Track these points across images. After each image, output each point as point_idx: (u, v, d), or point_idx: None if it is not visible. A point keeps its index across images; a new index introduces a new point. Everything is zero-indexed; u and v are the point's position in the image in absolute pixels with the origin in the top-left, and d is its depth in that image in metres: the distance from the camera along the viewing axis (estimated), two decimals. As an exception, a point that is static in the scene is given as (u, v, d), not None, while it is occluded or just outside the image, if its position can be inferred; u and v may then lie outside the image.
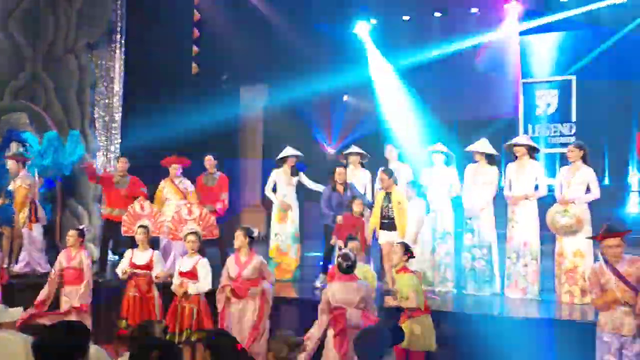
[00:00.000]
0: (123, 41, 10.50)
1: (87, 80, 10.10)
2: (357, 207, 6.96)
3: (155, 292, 6.43)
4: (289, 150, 8.05)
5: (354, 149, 8.08)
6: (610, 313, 4.66)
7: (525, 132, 12.97)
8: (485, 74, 13.15)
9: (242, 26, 11.96)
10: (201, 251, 6.44)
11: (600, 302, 4.70)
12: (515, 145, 7.05)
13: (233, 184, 8.93)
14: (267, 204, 9.75)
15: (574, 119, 12.93)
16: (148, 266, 6.38)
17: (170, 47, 10.99)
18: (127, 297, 6.39)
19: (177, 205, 7.68)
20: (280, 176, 8.00)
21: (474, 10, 13.18)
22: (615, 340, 4.64)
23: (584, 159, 6.74)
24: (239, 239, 5.84)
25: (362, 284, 4.98)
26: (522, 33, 13.06)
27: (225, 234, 7.96)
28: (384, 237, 6.98)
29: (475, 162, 7.20)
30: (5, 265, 7.23)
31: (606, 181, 12.39)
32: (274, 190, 8.01)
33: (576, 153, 6.74)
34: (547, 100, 13.29)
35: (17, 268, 7.90)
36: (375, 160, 8.08)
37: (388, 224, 6.95)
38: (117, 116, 10.45)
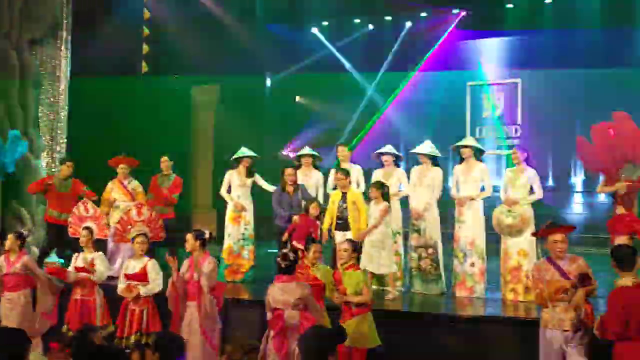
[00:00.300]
0: (69, 38, 10.21)
1: (30, 78, 9.80)
2: (313, 209, 6.98)
3: (98, 296, 6.29)
4: (244, 151, 8.02)
5: (307, 150, 8.11)
6: (552, 309, 4.81)
7: (472, 134, 13.28)
8: (433, 77, 13.42)
9: (194, 25, 11.84)
10: (149, 253, 6.35)
11: (545, 295, 4.81)
12: (461, 147, 7.21)
13: (184, 184, 8.83)
14: (218, 204, 9.67)
15: (519, 121, 13.32)
16: (89, 270, 6.26)
17: (119, 45, 10.79)
18: (71, 301, 6.27)
19: (126, 206, 7.56)
20: (234, 177, 7.95)
21: (423, 14, 13.47)
22: (558, 336, 4.78)
23: (528, 161, 6.95)
24: (190, 242, 5.78)
25: (301, 284, 4.97)
26: (469, 36, 13.39)
27: (177, 236, 7.90)
28: (339, 237, 7.02)
29: (420, 163, 7.33)
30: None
31: (550, 182, 12.82)
32: (229, 191, 7.96)
33: (520, 155, 6.95)
34: (493, 103, 13.64)
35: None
36: (327, 161, 8.12)
37: (342, 224, 7.00)
38: (63, 115, 10.16)
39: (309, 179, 7.83)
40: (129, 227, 6.48)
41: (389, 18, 13.77)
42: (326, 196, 7.66)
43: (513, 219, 6.72)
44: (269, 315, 4.99)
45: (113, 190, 8.21)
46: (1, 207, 9.16)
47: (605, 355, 4.45)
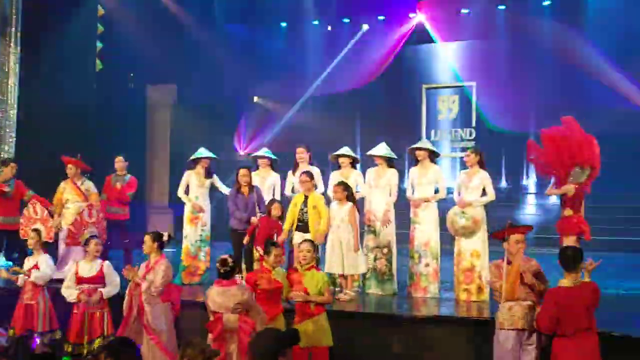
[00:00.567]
0: (19, 34, 9.92)
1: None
2: (275, 210, 6.98)
3: (42, 300, 6.16)
4: (202, 152, 7.95)
5: (263, 152, 8.08)
6: (507, 309, 4.90)
7: (427, 136, 13.50)
8: (389, 80, 13.58)
9: (150, 24, 11.65)
10: (102, 255, 6.25)
11: (506, 286, 4.86)
12: (417, 149, 7.32)
13: (139, 184, 8.70)
14: (174, 205, 9.56)
15: (473, 124, 13.60)
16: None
17: (72, 42, 10.53)
18: (18, 304, 6.15)
19: (79, 207, 7.41)
20: (193, 178, 7.87)
21: (380, 17, 13.63)
22: (513, 336, 4.87)
23: (481, 163, 7.10)
24: (147, 243, 5.69)
25: (242, 288, 4.91)
26: (425, 40, 13.61)
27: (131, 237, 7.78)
28: (299, 238, 7.02)
29: (376, 165, 7.41)
30: None
31: (503, 184, 13.13)
32: (187, 192, 7.88)
33: (473, 157, 7.08)
34: (448, 106, 13.89)
35: None
36: (285, 162, 8.11)
37: (302, 226, 7.01)
38: (12, 113, 9.87)
39: (266, 180, 7.82)
40: (83, 228, 6.39)
41: (347, 20, 13.89)
42: (284, 198, 7.66)
43: (466, 221, 6.85)
44: (211, 317, 4.93)
45: (66, 191, 8.01)
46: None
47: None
